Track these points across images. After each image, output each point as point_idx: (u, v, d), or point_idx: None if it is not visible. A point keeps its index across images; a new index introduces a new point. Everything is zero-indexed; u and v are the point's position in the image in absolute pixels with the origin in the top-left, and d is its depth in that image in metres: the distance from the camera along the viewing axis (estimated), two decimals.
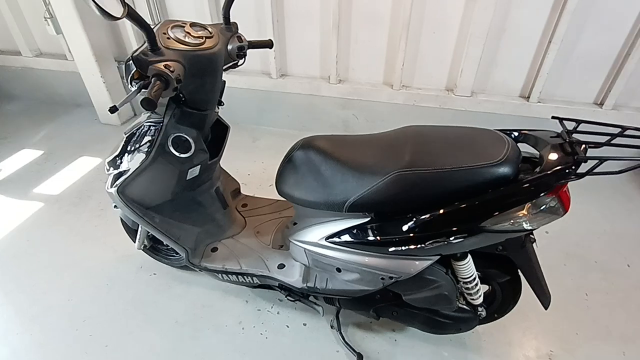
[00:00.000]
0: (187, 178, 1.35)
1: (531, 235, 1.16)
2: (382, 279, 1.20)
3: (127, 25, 2.69)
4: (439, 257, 1.13)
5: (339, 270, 1.28)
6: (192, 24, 1.20)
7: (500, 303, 1.35)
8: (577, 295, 1.69)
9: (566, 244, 1.93)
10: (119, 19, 0.93)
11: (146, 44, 1.04)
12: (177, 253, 1.73)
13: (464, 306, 1.32)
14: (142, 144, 1.24)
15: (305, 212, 1.31)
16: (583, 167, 0.94)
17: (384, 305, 1.33)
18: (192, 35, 1.15)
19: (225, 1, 1.30)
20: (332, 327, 1.53)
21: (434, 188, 1.04)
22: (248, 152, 2.70)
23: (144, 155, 1.23)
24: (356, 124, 2.79)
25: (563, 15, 2.06)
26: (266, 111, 2.93)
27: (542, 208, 1.00)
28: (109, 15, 0.91)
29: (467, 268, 1.18)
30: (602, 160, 0.91)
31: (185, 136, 1.27)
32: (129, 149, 1.27)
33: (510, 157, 1.01)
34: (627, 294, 1.70)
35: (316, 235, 1.27)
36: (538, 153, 1.06)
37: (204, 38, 1.17)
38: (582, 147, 0.96)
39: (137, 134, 1.26)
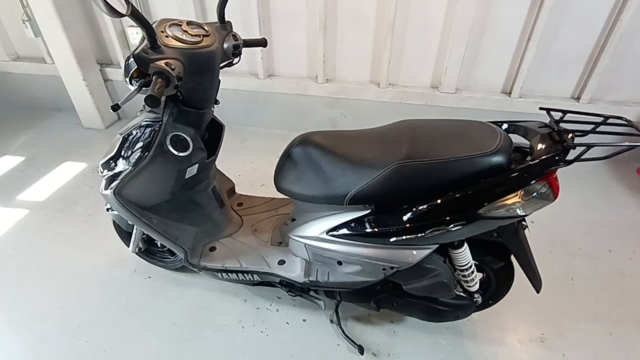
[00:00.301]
0: (186, 177, 1.35)
1: (523, 222, 1.21)
2: (384, 269, 1.23)
3: (109, 26, 2.63)
4: (437, 245, 1.17)
5: (340, 263, 1.30)
6: (189, 23, 1.20)
7: (494, 289, 1.40)
8: (564, 280, 1.76)
9: (551, 232, 2.01)
10: (123, 15, 0.93)
11: (146, 42, 1.04)
12: (172, 255, 1.72)
13: (461, 293, 1.36)
14: (139, 144, 1.23)
15: (305, 207, 1.33)
16: (571, 155, 1.00)
17: (384, 296, 1.36)
18: (189, 34, 1.16)
19: (219, 0, 1.30)
20: (331, 321, 1.54)
21: (432, 178, 1.08)
22: (237, 153, 2.69)
23: (142, 155, 1.22)
24: (344, 122, 2.82)
25: (541, 13, 2.15)
26: (254, 112, 2.92)
27: (534, 194, 1.05)
28: (115, 11, 0.91)
29: (464, 256, 1.22)
30: (589, 146, 0.96)
31: (183, 135, 1.27)
32: (125, 149, 1.25)
33: (503, 147, 1.05)
34: (610, 277, 1.78)
35: (316, 229, 1.29)
36: (528, 142, 1.12)
37: (202, 36, 1.17)
38: (569, 136, 1.02)
39: (134, 134, 1.25)
